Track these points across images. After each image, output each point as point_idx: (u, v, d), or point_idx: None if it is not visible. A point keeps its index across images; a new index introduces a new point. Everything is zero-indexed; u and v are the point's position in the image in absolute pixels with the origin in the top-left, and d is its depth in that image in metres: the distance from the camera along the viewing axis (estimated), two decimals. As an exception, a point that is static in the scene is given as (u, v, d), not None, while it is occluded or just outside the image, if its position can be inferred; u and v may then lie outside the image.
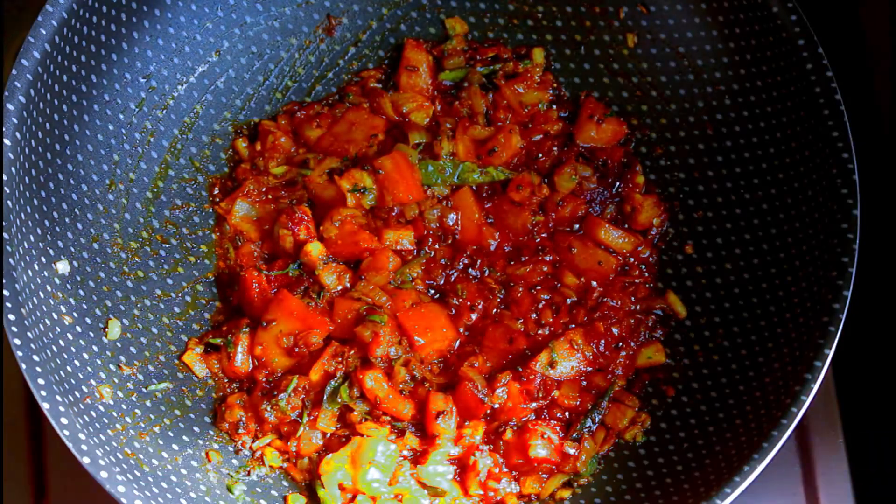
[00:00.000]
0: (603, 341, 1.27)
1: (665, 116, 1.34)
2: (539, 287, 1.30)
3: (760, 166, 1.27)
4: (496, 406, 1.23)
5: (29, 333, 1.08)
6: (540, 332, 1.28)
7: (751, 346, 1.23)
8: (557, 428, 1.24)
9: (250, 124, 1.36)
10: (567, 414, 1.26)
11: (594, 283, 1.30)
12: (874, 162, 1.24)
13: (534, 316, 1.29)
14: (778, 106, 1.25)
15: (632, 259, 1.31)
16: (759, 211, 1.27)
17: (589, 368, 1.27)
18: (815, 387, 1.11)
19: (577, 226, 1.33)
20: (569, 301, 1.30)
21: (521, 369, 1.24)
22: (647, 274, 1.32)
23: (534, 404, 1.24)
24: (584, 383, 1.27)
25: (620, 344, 1.28)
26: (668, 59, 1.33)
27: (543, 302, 1.29)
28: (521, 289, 1.29)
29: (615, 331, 1.28)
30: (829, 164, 1.19)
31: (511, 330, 1.27)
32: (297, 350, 1.22)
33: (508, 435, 1.22)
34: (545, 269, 1.30)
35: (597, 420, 1.25)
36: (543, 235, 1.32)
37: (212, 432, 1.23)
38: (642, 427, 1.25)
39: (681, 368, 1.28)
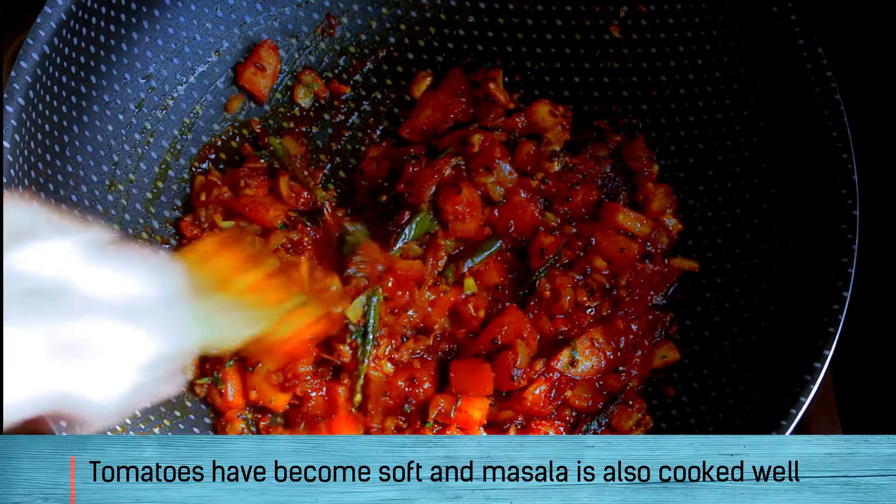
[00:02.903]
0: (623, 339, 1.27)
1: (665, 116, 1.34)
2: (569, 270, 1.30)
3: (760, 166, 1.27)
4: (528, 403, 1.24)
5: (29, 334, 1.08)
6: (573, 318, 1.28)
7: (751, 347, 1.23)
8: (562, 429, 1.24)
9: (251, 126, 1.36)
10: (575, 414, 1.26)
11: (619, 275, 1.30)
12: (874, 162, 1.24)
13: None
14: (778, 106, 1.25)
15: (649, 247, 1.30)
16: (759, 211, 1.27)
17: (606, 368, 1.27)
18: (815, 388, 1.12)
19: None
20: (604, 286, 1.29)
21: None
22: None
23: (550, 406, 1.25)
24: (599, 384, 1.27)
25: (637, 342, 1.28)
26: (668, 59, 1.33)
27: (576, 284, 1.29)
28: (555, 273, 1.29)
29: (634, 328, 1.27)
30: (828, 164, 1.19)
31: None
32: (287, 385, 1.23)
33: (512, 434, 1.23)
34: (576, 252, 1.30)
35: (603, 423, 1.25)
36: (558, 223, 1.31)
37: (212, 433, 1.23)
38: (645, 429, 1.26)
39: (680, 368, 1.28)
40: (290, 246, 1.26)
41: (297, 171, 1.32)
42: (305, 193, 1.31)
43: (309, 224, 1.28)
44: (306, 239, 1.27)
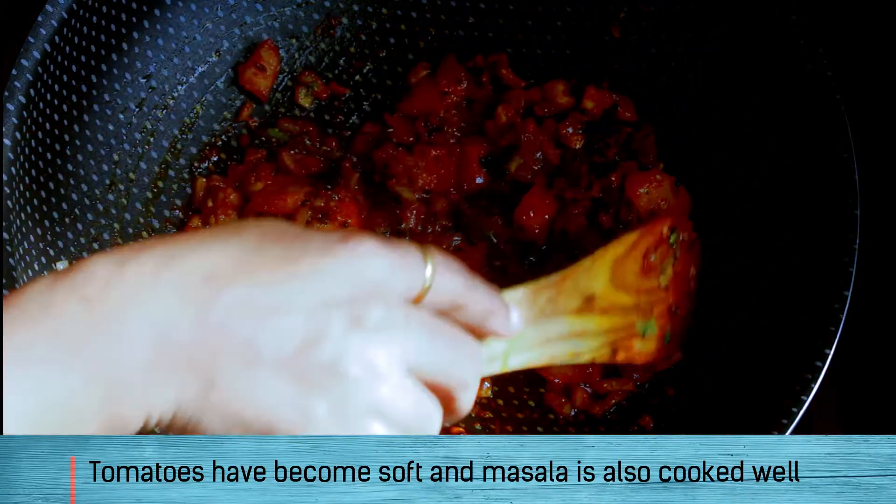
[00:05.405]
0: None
1: (665, 116, 1.34)
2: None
3: (760, 166, 1.27)
4: None
5: (29, 333, 1.08)
6: None
7: (750, 346, 1.23)
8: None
9: (250, 126, 1.36)
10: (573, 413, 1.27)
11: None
12: (875, 161, 1.24)
13: None
14: (778, 106, 1.25)
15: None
16: (758, 211, 1.27)
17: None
18: (816, 387, 1.12)
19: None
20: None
21: None
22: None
23: None
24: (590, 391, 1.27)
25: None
26: (669, 59, 1.33)
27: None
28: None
29: None
30: (828, 164, 1.19)
31: None
32: None
33: (508, 435, 1.23)
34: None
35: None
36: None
37: (212, 432, 1.24)
38: (647, 428, 1.26)
39: (681, 368, 1.28)
40: (320, 216, 1.25)
41: (307, 146, 1.32)
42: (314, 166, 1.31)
43: (329, 187, 1.28)
44: (332, 203, 1.26)
